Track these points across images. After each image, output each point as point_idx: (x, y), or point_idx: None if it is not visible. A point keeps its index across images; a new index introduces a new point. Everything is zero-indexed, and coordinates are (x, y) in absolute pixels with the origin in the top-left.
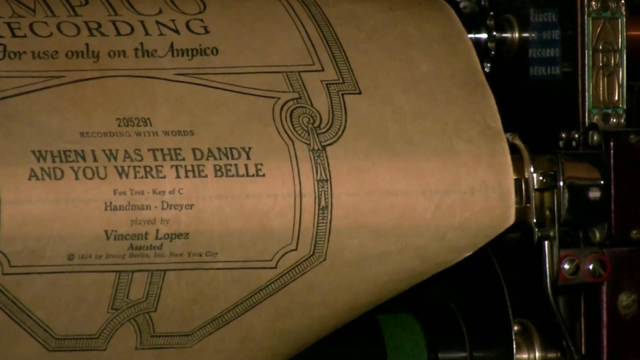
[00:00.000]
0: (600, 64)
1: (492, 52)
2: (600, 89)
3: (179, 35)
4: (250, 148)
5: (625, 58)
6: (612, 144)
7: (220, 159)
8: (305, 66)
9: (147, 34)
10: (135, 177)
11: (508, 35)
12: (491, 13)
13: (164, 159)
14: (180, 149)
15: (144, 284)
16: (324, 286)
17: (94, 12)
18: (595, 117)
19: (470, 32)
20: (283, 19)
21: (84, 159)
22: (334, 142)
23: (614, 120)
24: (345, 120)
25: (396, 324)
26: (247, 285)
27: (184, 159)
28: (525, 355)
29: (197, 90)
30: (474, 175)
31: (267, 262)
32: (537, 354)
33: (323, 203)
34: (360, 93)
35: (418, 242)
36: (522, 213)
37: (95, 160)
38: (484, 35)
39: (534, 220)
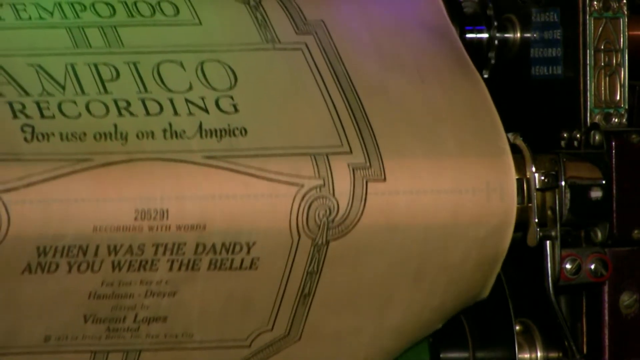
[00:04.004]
0: (602, 64)
1: (494, 53)
2: (602, 88)
3: (207, 114)
4: (254, 243)
5: (626, 58)
6: (613, 143)
7: (220, 253)
8: (333, 147)
9: (175, 113)
10: (128, 270)
11: (510, 35)
12: (493, 13)
13: (164, 254)
14: (185, 244)
15: None
16: (299, 359)
17: (124, 88)
18: (597, 116)
19: (472, 32)
20: (313, 93)
21: (84, 254)
22: (341, 237)
23: (616, 120)
24: (362, 214)
25: None
26: None
27: (184, 254)
28: (527, 355)
29: (223, 177)
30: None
31: (241, 341)
32: (539, 354)
33: (307, 291)
34: (384, 180)
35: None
36: (523, 213)
37: (95, 254)
38: (485, 35)
39: (536, 220)
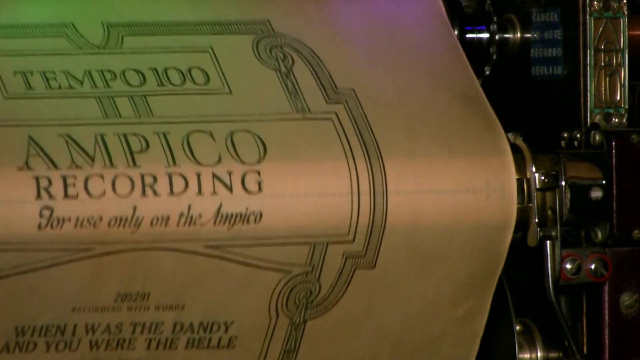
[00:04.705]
0: (602, 64)
1: (494, 53)
2: (602, 88)
3: (230, 194)
4: (232, 322)
5: (627, 58)
6: (613, 143)
7: (198, 332)
8: (338, 236)
9: (199, 192)
10: (106, 349)
11: (510, 35)
12: (493, 13)
13: (142, 333)
14: (162, 323)
15: None
16: None
17: (153, 160)
18: (597, 116)
19: (472, 32)
20: (340, 170)
21: (62, 333)
22: (318, 316)
23: (616, 120)
24: (342, 296)
25: None
26: None
27: (161, 332)
28: (527, 355)
29: (214, 264)
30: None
31: None
32: (539, 354)
33: None
34: (374, 268)
35: None
36: (523, 213)
37: (73, 334)
38: (485, 35)
39: (536, 220)
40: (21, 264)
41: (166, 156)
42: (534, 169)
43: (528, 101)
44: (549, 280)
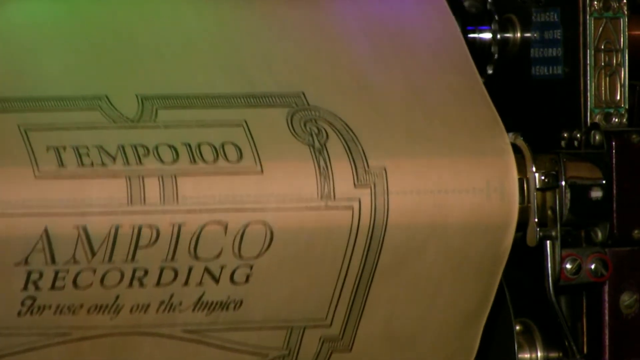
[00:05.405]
0: (602, 64)
1: (496, 54)
2: (602, 88)
3: (216, 285)
4: None
5: (627, 58)
6: (613, 143)
7: None
8: (315, 321)
9: (186, 283)
10: None
11: (510, 35)
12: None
13: None
14: None
15: None
16: None
17: (153, 256)
18: (597, 116)
19: (474, 32)
20: (332, 269)
21: None
22: None
23: (616, 119)
24: None
25: None
26: None
27: None
28: (527, 355)
29: (190, 349)
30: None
31: None
32: (539, 354)
33: None
34: (350, 351)
35: None
36: (523, 213)
37: None
38: (487, 35)
39: (536, 220)
40: None
41: (169, 252)
42: (534, 169)
43: (528, 101)
44: (549, 280)
